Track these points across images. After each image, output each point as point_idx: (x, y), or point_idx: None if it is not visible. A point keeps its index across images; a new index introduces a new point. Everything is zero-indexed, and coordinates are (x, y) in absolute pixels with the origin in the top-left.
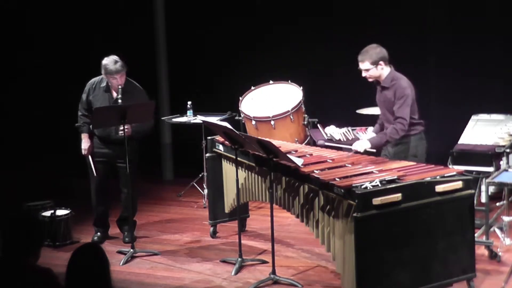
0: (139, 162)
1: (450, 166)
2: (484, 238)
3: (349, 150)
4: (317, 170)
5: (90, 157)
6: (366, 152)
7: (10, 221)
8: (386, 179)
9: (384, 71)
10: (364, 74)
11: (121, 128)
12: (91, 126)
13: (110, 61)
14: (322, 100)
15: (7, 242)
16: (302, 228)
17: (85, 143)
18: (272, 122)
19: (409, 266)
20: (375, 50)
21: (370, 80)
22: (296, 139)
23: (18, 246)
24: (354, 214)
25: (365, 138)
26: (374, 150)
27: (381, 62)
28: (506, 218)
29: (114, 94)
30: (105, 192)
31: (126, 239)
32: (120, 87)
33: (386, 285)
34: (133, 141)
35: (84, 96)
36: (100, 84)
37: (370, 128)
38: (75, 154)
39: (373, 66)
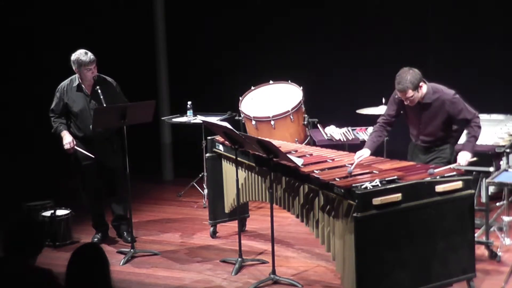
0: (138, 162)
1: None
2: (484, 238)
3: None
4: (317, 170)
5: (77, 148)
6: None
7: (12, 223)
8: (386, 179)
9: (423, 89)
10: (406, 102)
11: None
12: (91, 126)
13: (81, 54)
14: (322, 100)
15: (8, 244)
16: (302, 228)
17: (68, 137)
18: (272, 122)
19: (409, 266)
20: (412, 75)
21: (412, 104)
22: (296, 139)
23: (19, 248)
24: (354, 214)
25: (463, 152)
26: (476, 158)
27: (421, 84)
28: (506, 218)
29: (87, 91)
30: (97, 195)
31: (129, 239)
32: (95, 78)
33: (386, 285)
34: (116, 137)
35: (56, 101)
36: (72, 85)
37: (370, 128)
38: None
39: (415, 91)
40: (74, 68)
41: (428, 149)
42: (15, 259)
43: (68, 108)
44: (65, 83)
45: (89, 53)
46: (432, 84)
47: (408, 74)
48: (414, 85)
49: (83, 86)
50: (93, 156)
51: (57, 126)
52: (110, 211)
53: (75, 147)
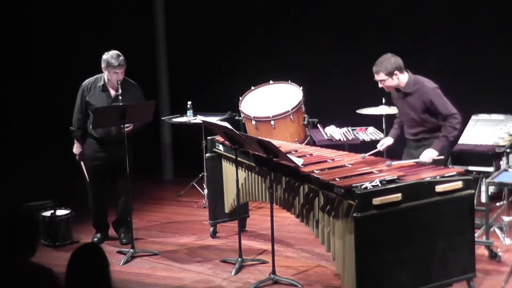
0: (138, 162)
1: (450, 166)
2: (484, 238)
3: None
4: (317, 170)
5: (82, 163)
6: (434, 161)
7: (4, 222)
8: (386, 179)
9: (401, 79)
10: (380, 85)
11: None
12: (91, 126)
13: (112, 55)
14: (322, 100)
15: (3, 242)
16: (302, 228)
17: (76, 148)
18: (272, 122)
19: (409, 266)
20: (389, 60)
21: (387, 90)
22: (296, 139)
23: (14, 245)
24: (354, 214)
25: (429, 148)
26: (443, 157)
27: (396, 72)
28: (506, 218)
29: (112, 92)
30: (103, 195)
31: (124, 240)
32: (119, 82)
33: (386, 285)
34: (129, 140)
35: (79, 98)
36: (96, 84)
37: (370, 128)
38: (74, 154)
39: (388, 77)
40: (102, 66)
41: (417, 142)
42: (13, 258)
43: (88, 105)
44: (89, 80)
45: (121, 57)
46: (416, 76)
47: (385, 60)
48: (387, 71)
49: (108, 87)
50: (88, 180)
51: (75, 129)
52: (112, 211)
53: (81, 162)
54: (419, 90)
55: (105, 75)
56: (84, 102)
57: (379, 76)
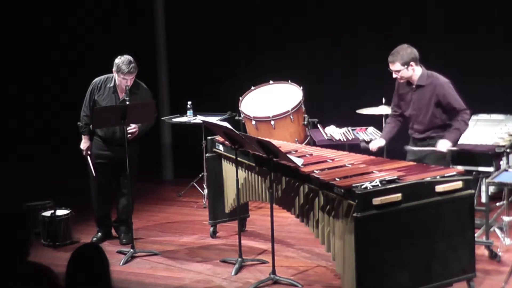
0: (139, 162)
1: (450, 166)
2: (484, 238)
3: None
4: (317, 170)
5: (89, 157)
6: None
7: None
8: (386, 179)
9: (416, 71)
10: (395, 75)
11: (129, 128)
12: (91, 126)
13: (123, 61)
14: (322, 100)
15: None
16: (302, 228)
17: (83, 144)
18: (272, 122)
19: (409, 266)
20: (405, 50)
21: (401, 81)
22: (296, 139)
23: (5, 246)
24: (354, 214)
25: (444, 139)
26: (456, 148)
27: (412, 63)
28: (506, 218)
29: (121, 95)
30: (107, 194)
31: (124, 240)
32: (127, 88)
33: (386, 285)
34: (134, 142)
35: (88, 95)
36: (107, 84)
37: (370, 128)
38: (74, 154)
39: (404, 67)
40: (113, 68)
41: (422, 141)
42: (10, 257)
43: (96, 104)
44: (100, 79)
45: (133, 64)
46: (429, 71)
47: (402, 49)
48: (403, 60)
49: (118, 89)
50: (94, 174)
51: (83, 125)
52: (114, 211)
53: (88, 156)
54: (432, 83)
55: (115, 77)
56: (93, 100)
57: (395, 66)
